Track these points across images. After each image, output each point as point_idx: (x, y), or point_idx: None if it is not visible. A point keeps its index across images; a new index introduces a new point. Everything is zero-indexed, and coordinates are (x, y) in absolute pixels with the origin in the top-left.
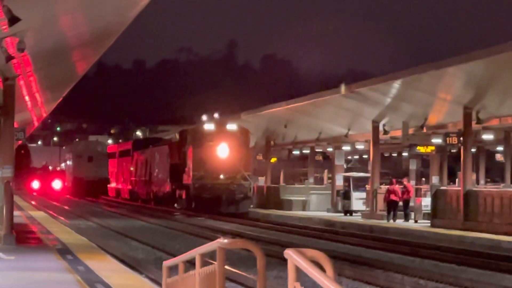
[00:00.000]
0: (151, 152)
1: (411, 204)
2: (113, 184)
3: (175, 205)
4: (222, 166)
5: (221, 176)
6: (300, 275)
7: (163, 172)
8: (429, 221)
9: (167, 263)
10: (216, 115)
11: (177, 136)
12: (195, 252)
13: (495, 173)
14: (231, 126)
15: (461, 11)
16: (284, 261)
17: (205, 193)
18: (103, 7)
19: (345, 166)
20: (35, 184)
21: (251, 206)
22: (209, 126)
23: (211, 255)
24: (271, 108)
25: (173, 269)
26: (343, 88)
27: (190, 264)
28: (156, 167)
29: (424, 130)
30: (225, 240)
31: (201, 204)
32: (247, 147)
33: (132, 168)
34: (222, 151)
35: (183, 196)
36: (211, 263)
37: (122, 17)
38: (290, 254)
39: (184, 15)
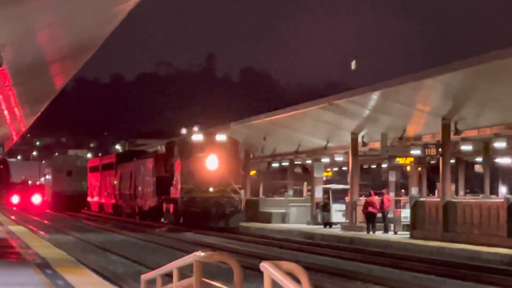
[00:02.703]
0: (135, 165)
1: (391, 215)
2: (95, 198)
3: (162, 219)
4: (211, 178)
5: (211, 189)
6: (278, 287)
7: (149, 185)
8: (408, 233)
9: (145, 276)
10: (195, 128)
11: (163, 148)
12: (172, 266)
13: (474, 184)
14: (221, 137)
15: (445, 21)
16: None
17: (194, 207)
18: (82, 20)
19: (324, 178)
20: (15, 199)
21: (243, 220)
22: (197, 137)
23: (191, 268)
24: (262, 118)
25: (151, 283)
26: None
27: (169, 277)
28: (141, 181)
29: (402, 141)
30: (202, 253)
31: (190, 219)
32: (237, 158)
33: (115, 182)
34: (212, 163)
35: (171, 210)
36: (191, 276)
37: (101, 31)
38: (265, 267)
39: (162, 28)
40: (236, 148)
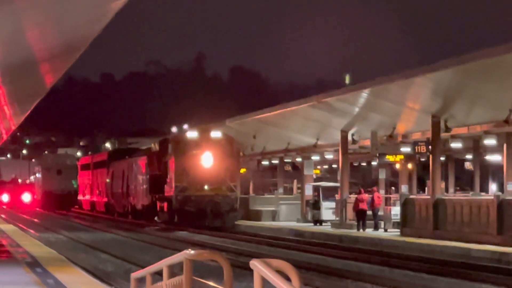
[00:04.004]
0: (128, 163)
1: (381, 213)
2: (87, 197)
3: (156, 218)
4: (206, 176)
5: (206, 187)
6: (269, 285)
7: (142, 183)
8: (398, 230)
9: (135, 275)
10: (185, 126)
11: (157, 145)
12: (162, 264)
13: (464, 181)
14: (216, 134)
15: (432, 19)
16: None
17: (189, 206)
18: (72, 19)
19: (314, 176)
20: (5, 197)
21: (239, 218)
22: (192, 134)
23: (182, 266)
24: (257, 115)
25: (141, 281)
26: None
27: (159, 275)
28: (134, 179)
29: (392, 139)
30: (192, 252)
31: (184, 218)
32: (233, 155)
33: (108, 180)
34: (207, 161)
35: (165, 209)
36: (181, 275)
37: (90, 29)
38: (255, 264)
39: (152, 28)
40: (231, 145)
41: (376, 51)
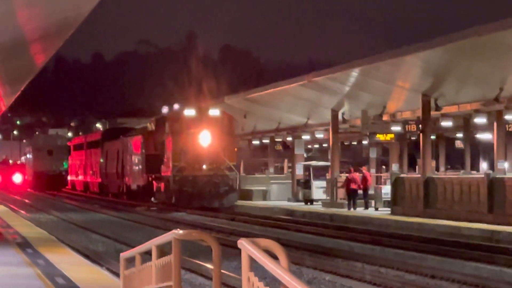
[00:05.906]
0: (123, 142)
1: (371, 192)
2: (80, 177)
3: (152, 199)
4: (204, 156)
5: (204, 167)
6: (259, 265)
7: (138, 163)
8: (389, 209)
9: (124, 254)
10: (176, 106)
11: (153, 124)
12: (151, 244)
13: (455, 159)
14: (214, 112)
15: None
16: None
17: (187, 186)
18: None
19: (305, 155)
20: None
21: (237, 199)
22: (189, 112)
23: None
24: (254, 93)
25: (131, 261)
26: None
27: (149, 255)
28: (129, 159)
29: (382, 118)
30: (181, 231)
31: (182, 198)
32: (232, 134)
33: (102, 160)
34: (205, 139)
35: (162, 190)
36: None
37: (81, 9)
38: (243, 244)
39: (142, 6)
40: (230, 124)
41: (367, 29)
